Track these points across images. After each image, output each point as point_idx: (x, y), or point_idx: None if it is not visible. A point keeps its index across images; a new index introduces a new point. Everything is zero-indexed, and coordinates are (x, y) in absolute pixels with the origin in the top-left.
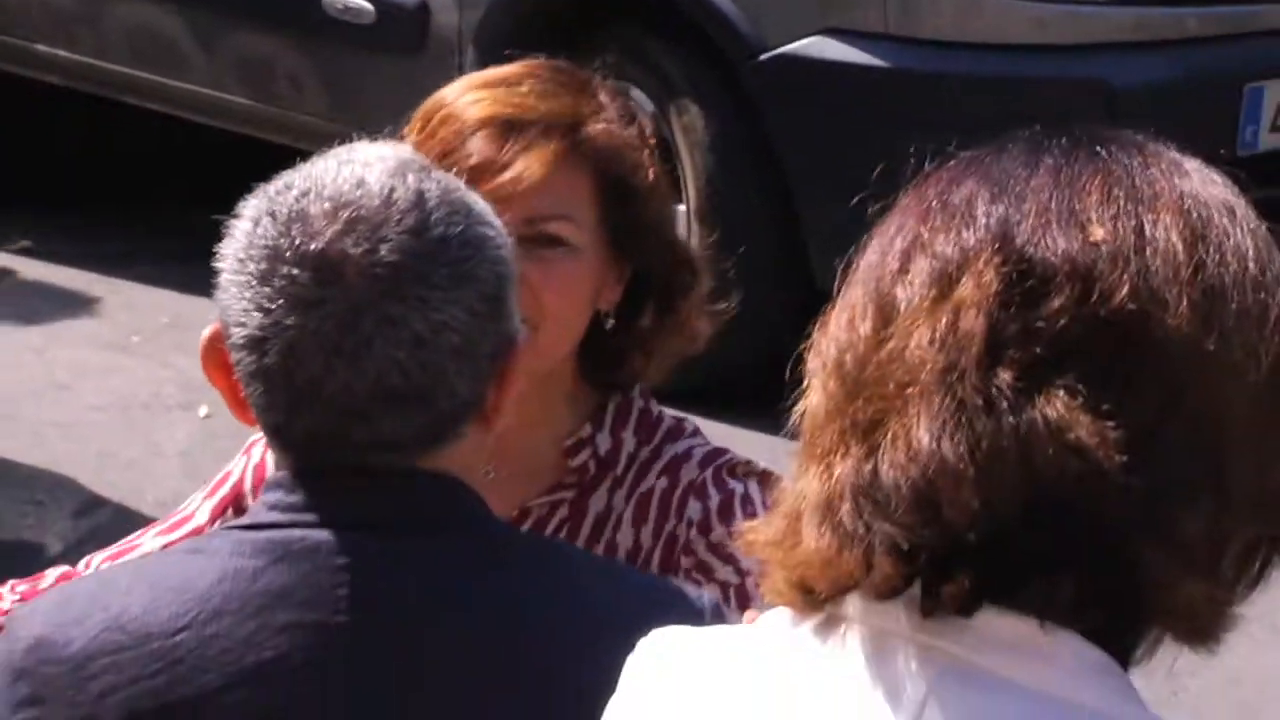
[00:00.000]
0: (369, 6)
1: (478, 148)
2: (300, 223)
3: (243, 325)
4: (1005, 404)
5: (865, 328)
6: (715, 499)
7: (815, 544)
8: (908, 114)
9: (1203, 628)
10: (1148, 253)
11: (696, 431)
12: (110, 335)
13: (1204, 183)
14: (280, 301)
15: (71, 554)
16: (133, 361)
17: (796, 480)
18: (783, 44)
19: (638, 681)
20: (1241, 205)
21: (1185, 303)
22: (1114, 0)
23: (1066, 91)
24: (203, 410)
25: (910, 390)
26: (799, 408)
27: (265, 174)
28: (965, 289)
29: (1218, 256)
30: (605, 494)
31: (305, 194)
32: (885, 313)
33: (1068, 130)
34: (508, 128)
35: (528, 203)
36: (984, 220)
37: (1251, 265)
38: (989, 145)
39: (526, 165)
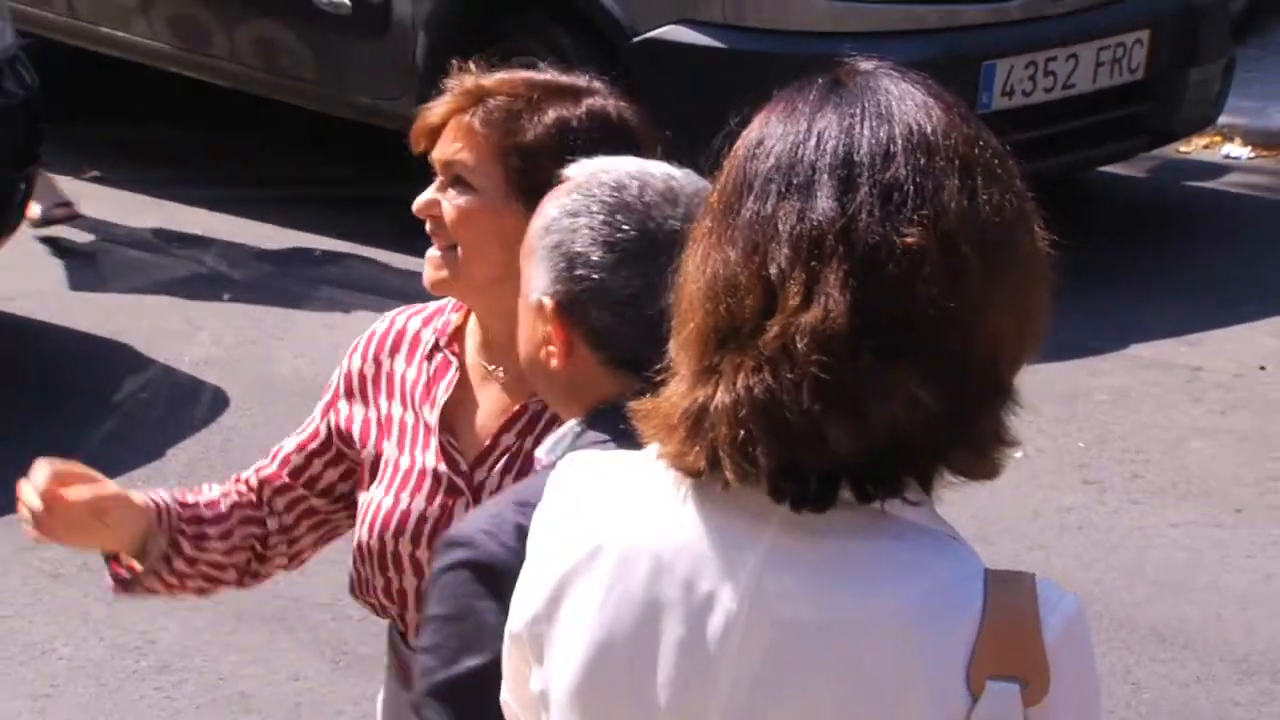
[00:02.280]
0: (346, 1)
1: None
2: (670, 204)
3: (625, 288)
4: (871, 374)
5: (751, 302)
6: None
7: (720, 468)
8: (738, 82)
9: (972, 472)
10: (951, 249)
11: None
12: (158, 241)
13: (952, 112)
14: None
15: (128, 400)
16: (173, 261)
17: (690, 385)
18: (649, 30)
19: (558, 490)
20: (991, 148)
21: (979, 260)
22: (889, 0)
23: None
24: (225, 295)
25: (774, 334)
26: (678, 326)
27: (260, 120)
28: (827, 269)
29: (990, 211)
30: None
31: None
32: (769, 293)
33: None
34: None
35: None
36: (834, 201)
37: (1009, 210)
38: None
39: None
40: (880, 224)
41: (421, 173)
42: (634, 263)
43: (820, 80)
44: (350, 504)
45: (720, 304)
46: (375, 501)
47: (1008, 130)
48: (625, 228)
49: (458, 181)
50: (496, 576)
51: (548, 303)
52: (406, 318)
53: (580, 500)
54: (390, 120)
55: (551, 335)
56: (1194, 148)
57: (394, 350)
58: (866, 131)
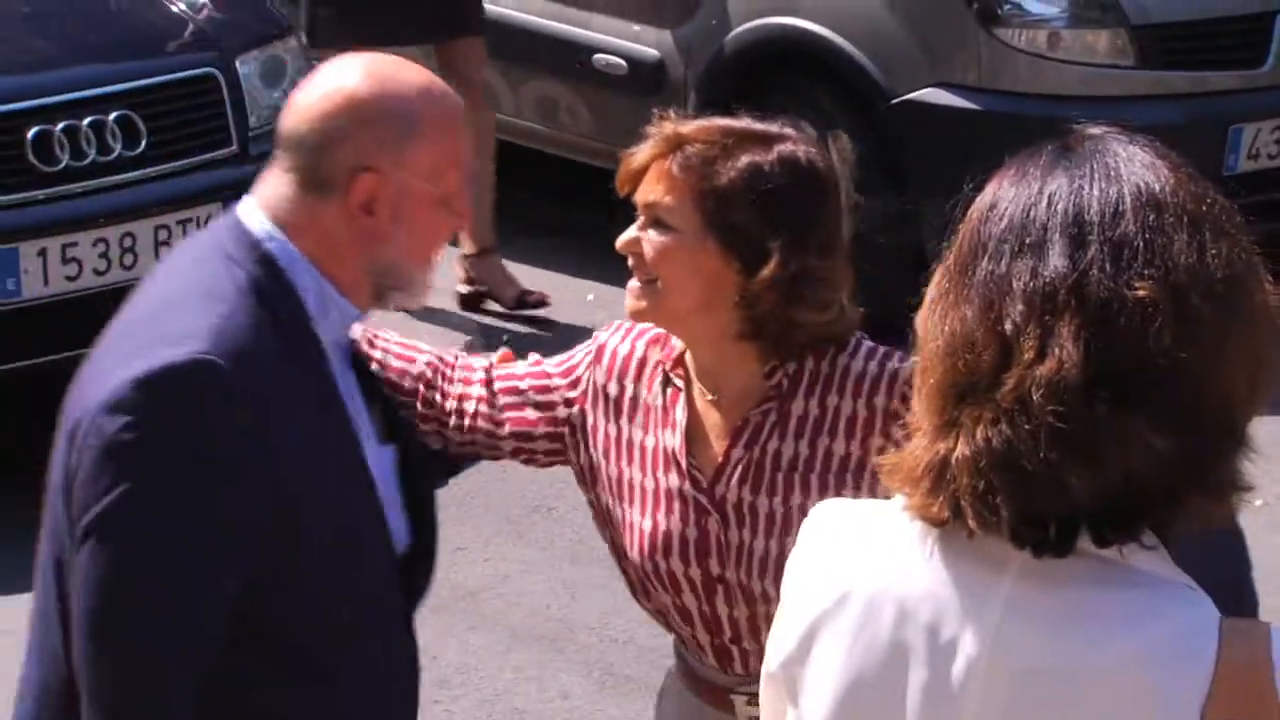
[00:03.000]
0: (622, 62)
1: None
2: None
3: None
4: (1107, 424)
5: (988, 357)
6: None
7: (963, 518)
8: (992, 144)
9: (1228, 520)
10: (1181, 301)
11: (859, 342)
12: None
13: (1197, 194)
14: None
15: None
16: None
17: (931, 439)
18: (907, 93)
19: (811, 538)
20: (1218, 205)
21: (1209, 325)
22: (1137, 65)
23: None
24: (504, 337)
25: (1037, 390)
26: (920, 382)
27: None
28: (1060, 322)
29: (1220, 265)
30: (801, 401)
31: None
32: (1005, 348)
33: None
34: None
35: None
36: (1067, 263)
37: (1238, 264)
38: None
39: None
40: (1111, 279)
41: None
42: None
43: (1050, 146)
44: (492, 448)
45: (958, 360)
46: (634, 525)
47: (1253, 192)
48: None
49: (658, 222)
50: None
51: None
52: (642, 343)
53: (831, 548)
54: None
55: None
56: None
57: (635, 377)
58: (1096, 191)
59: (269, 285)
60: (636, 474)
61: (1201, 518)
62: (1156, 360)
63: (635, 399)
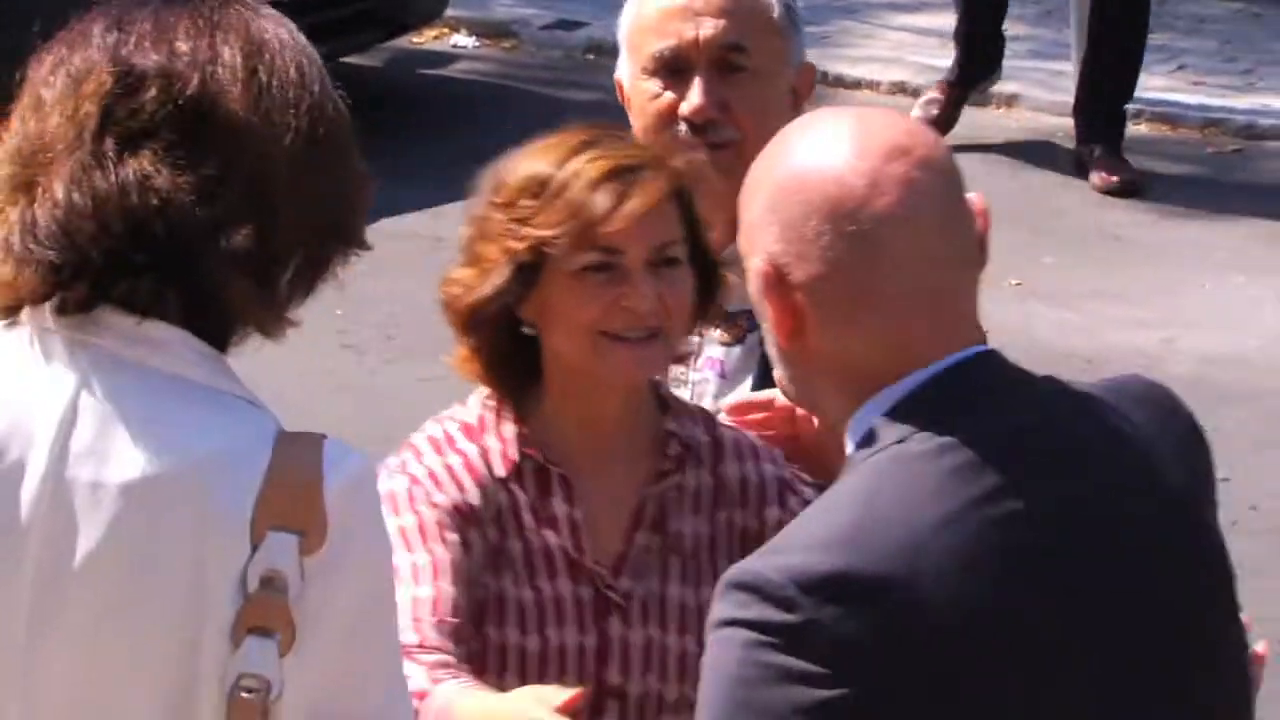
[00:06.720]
0: None
1: (610, 194)
2: None
3: None
4: (110, 164)
5: (29, 120)
6: (793, 510)
7: (3, 270)
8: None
9: (265, 323)
10: (216, 61)
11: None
12: None
13: (274, 24)
14: None
15: None
16: None
17: None
18: None
19: None
20: (299, 39)
21: (239, 93)
22: None
23: None
24: None
25: (51, 157)
26: None
27: None
28: (88, 86)
29: (267, 65)
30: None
31: None
32: (39, 108)
33: None
34: (628, 172)
35: (654, 231)
36: (102, 43)
37: (292, 72)
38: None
39: (651, 200)
40: (153, 40)
41: None
42: None
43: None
44: None
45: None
46: (512, 648)
47: None
48: None
49: (671, 262)
50: None
51: None
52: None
53: None
54: None
55: None
56: (426, 39)
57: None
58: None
59: None
60: (509, 587)
61: (248, 316)
62: (185, 107)
63: (492, 503)
